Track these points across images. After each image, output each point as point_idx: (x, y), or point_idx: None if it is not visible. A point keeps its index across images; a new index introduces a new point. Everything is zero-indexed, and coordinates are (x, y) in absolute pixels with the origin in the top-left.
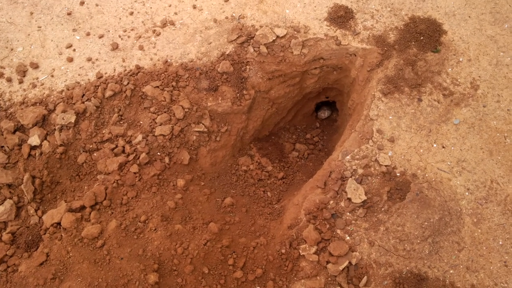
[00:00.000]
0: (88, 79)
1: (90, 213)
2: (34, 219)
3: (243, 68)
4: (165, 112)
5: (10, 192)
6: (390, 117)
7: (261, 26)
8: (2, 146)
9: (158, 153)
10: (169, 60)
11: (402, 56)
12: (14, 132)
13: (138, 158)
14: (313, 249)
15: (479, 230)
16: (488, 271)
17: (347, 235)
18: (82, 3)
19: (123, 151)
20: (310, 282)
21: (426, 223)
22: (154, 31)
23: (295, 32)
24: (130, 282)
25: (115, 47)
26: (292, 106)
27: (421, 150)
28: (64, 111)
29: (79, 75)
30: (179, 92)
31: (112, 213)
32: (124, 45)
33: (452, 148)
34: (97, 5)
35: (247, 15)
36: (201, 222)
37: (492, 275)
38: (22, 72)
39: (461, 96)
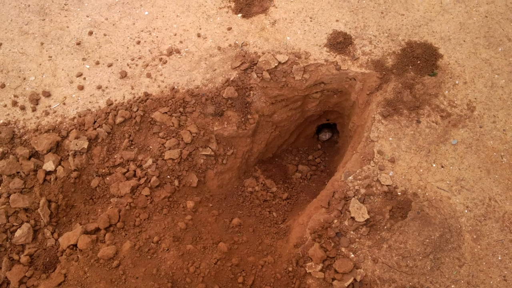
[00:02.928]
0: (99, 106)
1: (105, 235)
2: (50, 241)
3: (247, 94)
4: (173, 137)
5: (27, 216)
6: (390, 139)
7: (263, 53)
8: (18, 172)
9: (168, 176)
10: (176, 87)
11: (400, 80)
12: (29, 158)
13: (149, 181)
14: (319, 267)
15: (479, 246)
16: (488, 285)
17: (351, 253)
18: (90, 33)
19: (135, 175)
20: None
21: (427, 240)
22: (160, 59)
23: (296, 58)
24: None
25: (123, 75)
26: (294, 129)
27: (421, 170)
28: (77, 138)
29: (90, 102)
30: (187, 118)
31: (126, 234)
32: (132, 73)
33: (451, 167)
34: (105, 35)
35: (250, 43)
36: (211, 242)
37: None
38: (35, 100)
39: (458, 118)
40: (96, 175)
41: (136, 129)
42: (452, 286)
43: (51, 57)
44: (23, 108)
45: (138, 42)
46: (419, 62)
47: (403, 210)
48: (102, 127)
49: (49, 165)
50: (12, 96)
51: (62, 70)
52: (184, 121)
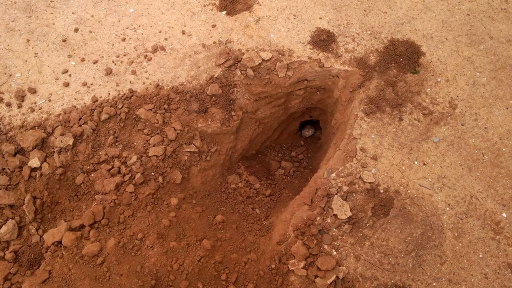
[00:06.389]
0: (84, 103)
1: (89, 232)
2: (35, 238)
3: (231, 91)
4: (158, 133)
5: (12, 212)
6: (373, 136)
7: (247, 50)
8: (4, 169)
9: (152, 173)
10: (160, 84)
11: (382, 77)
12: (14, 155)
13: (134, 178)
14: (302, 264)
15: (460, 244)
16: (469, 283)
17: (334, 250)
18: (76, 30)
19: (119, 172)
20: None
21: (409, 238)
22: (145, 56)
23: (280, 56)
24: None
25: (109, 72)
26: (278, 125)
27: (403, 168)
28: (62, 134)
29: (75, 99)
30: (171, 115)
31: (110, 231)
32: (118, 70)
33: (433, 165)
34: (90, 32)
35: (234, 40)
36: (195, 239)
37: (473, 287)
38: (21, 97)
39: (440, 115)
40: (81, 172)
41: (121, 126)
42: (434, 284)
43: (37, 54)
44: (8, 104)
45: (124, 39)
46: (401, 59)
47: (385, 207)
48: (87, 124)
49: (34, 162)
50: None
51: (48, 66)
52: (169, 118)
